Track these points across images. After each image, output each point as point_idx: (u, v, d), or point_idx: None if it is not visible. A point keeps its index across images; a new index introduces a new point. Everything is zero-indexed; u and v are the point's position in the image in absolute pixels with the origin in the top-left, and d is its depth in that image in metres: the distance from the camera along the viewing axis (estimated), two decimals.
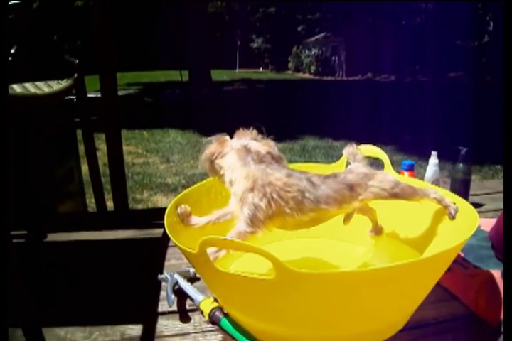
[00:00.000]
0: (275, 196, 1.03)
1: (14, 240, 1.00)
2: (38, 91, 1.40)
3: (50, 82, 1.56)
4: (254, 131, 1.17)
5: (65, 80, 1.62)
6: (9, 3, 1.76)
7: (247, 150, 1.10)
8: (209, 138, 1.16)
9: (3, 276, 0.87)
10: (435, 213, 1.23)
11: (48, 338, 1.05)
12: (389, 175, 1.19)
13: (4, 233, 0.91)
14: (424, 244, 1.23)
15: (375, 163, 1.29)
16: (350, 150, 1.30)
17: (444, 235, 1.19)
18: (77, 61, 1.74)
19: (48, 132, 1.99)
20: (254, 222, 1.02)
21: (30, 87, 1.44)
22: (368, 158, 1.30)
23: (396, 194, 1.15)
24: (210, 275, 0.98)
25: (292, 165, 1.17)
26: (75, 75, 1.68)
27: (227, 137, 1.15)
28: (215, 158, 1.12)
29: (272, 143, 1.15)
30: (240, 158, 1.09)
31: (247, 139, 1.13)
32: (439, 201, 1.19)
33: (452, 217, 1.17)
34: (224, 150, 1.12)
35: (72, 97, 1.90)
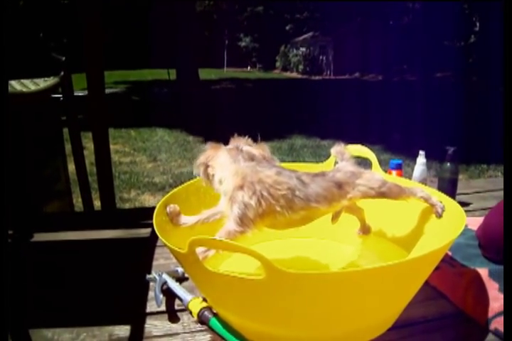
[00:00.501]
0: (265, 194, 1.02)
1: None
2: (24, 89, 1.38)
3: (37, 80, 1.54)
4: (249, 139, 1.17)
5: (51, 78, 1.60)
6: None
7: (238, 149, 1.10)
8: (205, 145, 1.16)
9: (2, 276, 0.86)
10: (422, 212, 1.23)
11: (35, 339, 1.04)
12: (376, 174, 1.20)
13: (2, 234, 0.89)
14: (412, 243, 1.24)
15: (363, 163, 1.30)
16: (338, 149, 1.30)
17: (431, 234, 1.20)
18: (63, 58, 1.72)
19: (34, 131, 1.96)
20: (244, 221, 1.02)
21: (16, 85, 1.43)
22: (356, 157, 1.30)
23: (383, 193, 1.16)
24: (199, 275, 0.98)
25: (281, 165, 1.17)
26: (62, 73, 1.66)
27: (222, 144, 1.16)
28: (209, 161, 1.12)
29: (265, 146, 1.16)
30: (230, 156, 1.09)
31: (242, 144, 1.14)
32: (426, 199, 1.20)
33: (439, 216, 1.17)
34: (217, 153, 1.12)
35: (58, 95, 1.88)
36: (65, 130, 2.07)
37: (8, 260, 0.89)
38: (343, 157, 1.27)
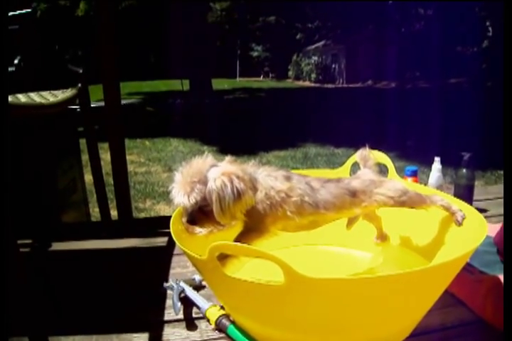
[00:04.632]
0: (281, 203, 1.03)
1: (20, 249, 1.00)
2: (43, 101, 1.40)
3: (55, 92, 1.57)
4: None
5: (69, 89, 1.63)
6: (13, 13, 1.78)
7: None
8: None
9: (2, 284, 0.87)
10: (442, 220, 1.22)
11: None
12: (397, 183, 1.18)
13: (6, 242, 0.91)
14: (432, 251, 1.23)
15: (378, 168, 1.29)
16: (363, 154, 1.29)
17: (451, 242, 1.19)
18: (80, 70, 1.75)
19: (52, 142, 1.99)
20: (260, 227, 1.03)
21: (35, 97, 1.45)
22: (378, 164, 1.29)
23: (403, 202, 1.15)
24: (218, 281, 0.98)
25: (296, 172, 1.17)
26: (79, 85, 1.69)
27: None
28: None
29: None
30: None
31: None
32: (447, 208, 1.18)
33: (459, 224, 1.16)
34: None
35: (75, 107, 1.91)
36: (82, 141, 2.09)
37: (8, 264, 0.91)
38: (367, 164, 1.26)
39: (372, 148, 1.34)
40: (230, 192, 0.96)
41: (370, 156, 1.28)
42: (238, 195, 0.97)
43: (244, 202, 0.98)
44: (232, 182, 0.96)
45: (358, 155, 1.32)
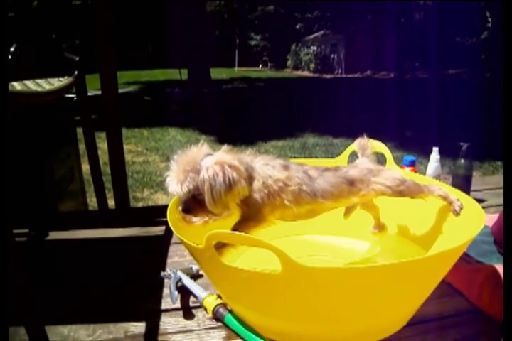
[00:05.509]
0: (279, 192, 1.02)
1: (16, 239, 0.99)
2: (38, 89, 1.39)
3: (51, 80, 1.55)
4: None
5: (65, 78, 1.61)
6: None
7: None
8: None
9: (2, 274, 0.87)
10: (440, 209, 1.22)
11: (51, 336, 1.05)
12: (395, 173, 1.18)
13: (5, 231, 0.90)
14: (429, 241, 1.23)
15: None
16: (361, 143, 1.29)
17: (448, 232, 1.19)
18: (77, 58, 1.73)
19: (48, 131, 1.98)
20: (258, 216, 1.03)
21: (31, 85, 1.44)
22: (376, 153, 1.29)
23: (401, 191, 1.14)
24: (215, 270, 0.98)
25: (294, 161, 1.17)
26: (75, 73, 1.67)
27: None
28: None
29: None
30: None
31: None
32: (444, 198, 1.18)
33: (457, 214, 1.16)
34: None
35: (72, 95, 1.90)
36: (79, 130, 2.08)
37: (8, 258, 0.90)
38: (365, 153, 1.26)
39: (371, 138, 1.34)
40: (221, 182, 0.95)
41: (368, 145, 1.27)
42: (230, 185, 0.96)
43: (236, 192, 0.98)
44: (224, 171, 0.96)
45: (356, 144, 1.31)
